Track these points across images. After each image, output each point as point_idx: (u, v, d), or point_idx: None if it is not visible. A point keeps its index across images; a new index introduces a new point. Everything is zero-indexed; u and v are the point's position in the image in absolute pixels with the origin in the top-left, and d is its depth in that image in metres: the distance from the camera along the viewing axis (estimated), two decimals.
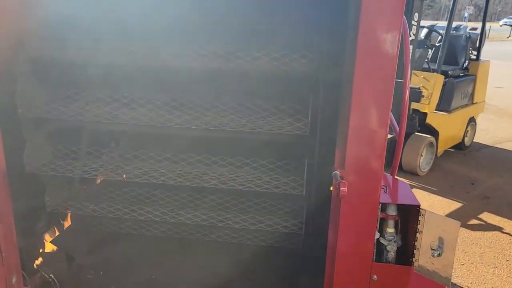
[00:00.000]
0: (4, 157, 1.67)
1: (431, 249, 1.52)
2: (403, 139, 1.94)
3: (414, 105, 5.45)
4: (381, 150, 1.44)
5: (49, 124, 1.73)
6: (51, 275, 2.04)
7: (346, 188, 1.35)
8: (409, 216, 1.59)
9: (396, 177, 1.89)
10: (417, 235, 1.54)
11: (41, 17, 1.64)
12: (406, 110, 1.88)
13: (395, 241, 1.60)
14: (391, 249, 1.59)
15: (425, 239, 1.53)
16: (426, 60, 5.78)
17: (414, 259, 1.56)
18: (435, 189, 5.27)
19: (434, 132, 5.72)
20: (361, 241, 1.55)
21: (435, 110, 5.71)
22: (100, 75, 1.64)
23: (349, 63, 1.41)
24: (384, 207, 1.60)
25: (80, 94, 1.68)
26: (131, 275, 1.98)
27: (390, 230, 1.61)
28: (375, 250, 1.56)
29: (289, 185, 1.66)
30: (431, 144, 5.65)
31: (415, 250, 1.55)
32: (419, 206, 1.54)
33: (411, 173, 5.57)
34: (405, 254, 1.61)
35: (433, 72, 5.60)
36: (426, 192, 5.18)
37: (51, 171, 1.76)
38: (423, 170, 5.65)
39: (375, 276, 1.57)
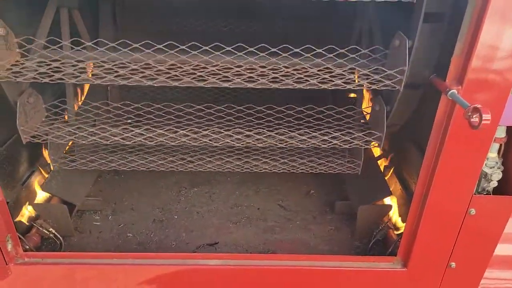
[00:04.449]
0: None
1: None
2: None
3: None
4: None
5: None
6: (50, 229, 1.62)
7: (490, 116, 1.00)
8: None
9: None
10: None
11: None
12: None
13: (498, 168, 1.33)
14: (495, 178, 1.33)
15: None
16: None
17: None
18: None
19: None
20: (465, 170, 1.27)
21: None
22: None
23: None
24: None
25: None
26: None
27: (493, 155, 1.33)
28: None
29: None
30: None
31: None
32: None
33: None
34: (506, 182, 1.36)
35: None
36: None
37: None
38: None
39: (474, 210, 1.33)
